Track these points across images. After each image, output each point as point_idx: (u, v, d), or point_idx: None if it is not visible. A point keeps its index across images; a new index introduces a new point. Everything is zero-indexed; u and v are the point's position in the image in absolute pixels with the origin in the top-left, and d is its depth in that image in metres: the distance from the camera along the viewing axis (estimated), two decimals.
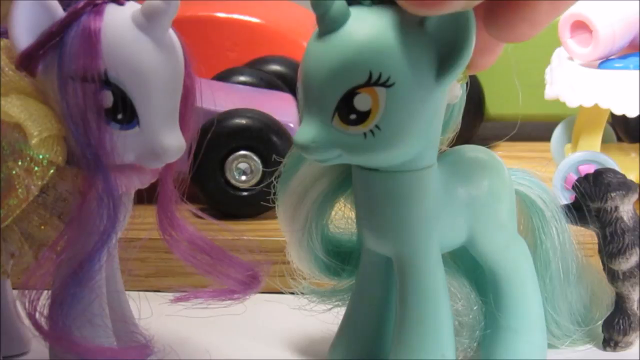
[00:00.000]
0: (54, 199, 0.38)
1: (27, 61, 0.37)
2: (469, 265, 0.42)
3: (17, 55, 0.37)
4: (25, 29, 0.37)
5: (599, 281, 0.45)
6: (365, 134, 0.35)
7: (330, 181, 0.41)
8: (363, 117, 0.35)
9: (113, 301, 0.42)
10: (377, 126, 0.35)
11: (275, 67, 0.69)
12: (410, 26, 0.35)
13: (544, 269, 0.43)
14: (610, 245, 0.43)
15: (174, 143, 0.38)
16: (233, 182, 0.57)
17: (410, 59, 0.35)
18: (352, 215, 0.42)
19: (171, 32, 0.38)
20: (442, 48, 0.35)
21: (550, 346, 0.43)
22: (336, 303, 0.44)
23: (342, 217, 0.43)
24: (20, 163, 0.37)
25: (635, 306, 0.45)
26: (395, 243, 0.39)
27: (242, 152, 0.57)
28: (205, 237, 0.42)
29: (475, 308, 0.42)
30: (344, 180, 0.40)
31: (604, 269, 0.45)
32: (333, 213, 0.42)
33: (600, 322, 0.45)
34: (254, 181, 0.57)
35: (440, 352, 0.38)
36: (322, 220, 0.41)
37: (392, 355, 0.39)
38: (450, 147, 0.42)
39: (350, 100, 0.35)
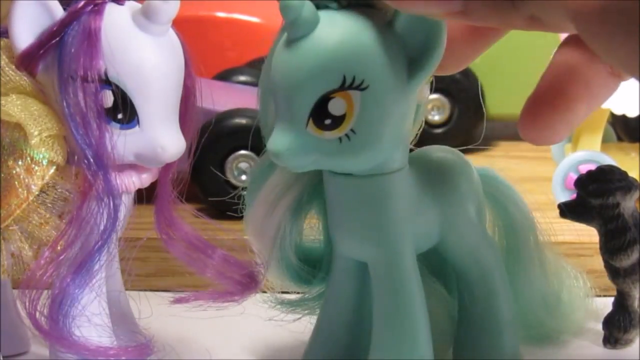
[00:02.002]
0: (54, 199, 0.38)
1: (27, 61, 0.37)
2: (437, 266, 0.42)
3: (17, 55, 0.37)
4: (25, 29, 0.37)
5: (568, 272, 0.46)
6: (340, 139, 0.35)
7: (302, 188, 0.40)
8: (338, 121, 0.35)
9: (113, 301, 0.42)
10: (352, 130, 0.35)
11: None
12: (379, 29, 0.35)
13: (514, 265, 0.43)
14: (612, 242, 0.43)
15: (174, 143, 0.38)
16: (233, 181, 0.57)
17: (382, 61, 0.34)
18: (317, 222, 0.42)
19: (171, 32, 0.38)
20: (412, 50, 0.35)
21: (530, 338, 0.44)
22: (306, 312, 0.44)
23: (308, 224, 0.42)
24: (20, 163, 0.37)
25: (636, 303, 0.45)
26: (370, 247, 0.38)
27: (242, 152, 0.57)
28: (202, 236, 0.42)
29: (446, 308, 0.42)
30: (316, 186, 0.40)
31: (605, 266, 0.45)
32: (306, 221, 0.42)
33: (578, 313, 0.45)
34: None
35: (418, 354, 0.38)
36: (297, 228, 0.41)
37: (371, 357, 0.39)
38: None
39: (325, 105, 0.35)
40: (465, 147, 0.42)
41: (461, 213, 0.40)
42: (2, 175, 0.37)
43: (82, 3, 0.37)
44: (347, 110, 0.35)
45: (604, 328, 0.46)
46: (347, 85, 0.34)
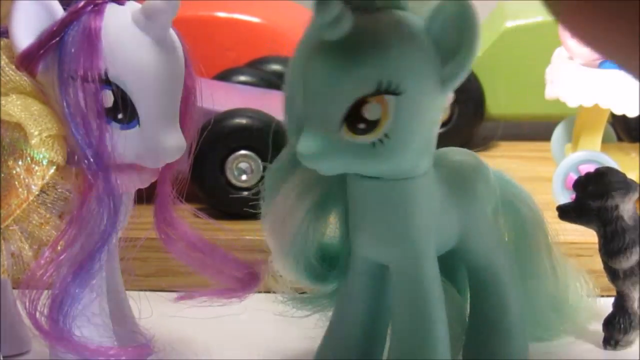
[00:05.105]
0: (55, 199, 0.38)
1: (27, 61, 0.37)
2: (447, 267, 0.42)
3: (17, 55, 0.37)
4: (25, 29, 0.37)
5: (572, 272, 0.46)
6: (374, 143, 0.35)
7: (326, 188, 0.40)
8: (372, 126, 0.35)
9: (113, 301, 0.42)
10: (386, 135, 0.35)
11: (275, 67, 0.69)
12: (413, 32, 0.34)
13: (525, 266, 0.43)
14: (611, 244, 0.43)
15: (174, 143, 0.38)
16: (233, 181, 0.57)
17: (417, 65, 0.34)
18: (334, 221, 0.41)
19: (171, 32, 0.38)
20: (446, 53, 0.35)
21: (538, 338, 0.44)
22: (317, 309, 0.44)
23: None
24: (20, 163, 0.37)
25: (635, 305, 0.45)
26: (394, 250, 0.38)
27: (243, 152, 0.57)
28: (201, 236, 0.42)
29: (457, 310, 0.42)
30: (341, 186, 0.40)
31: (605, 268, 0.45)
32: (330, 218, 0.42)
33: (582, 313, 0.46)
34: (254, 181, 0.57)
35: (439, 354, 0.38)
36: (319, 228, 0.40)
37: (390, 357, 0.39)
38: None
39: (359, 110, 0.34)
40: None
41: (480, 216, 0.40)
42: (2, 175, 0.37)
43: (82, 3, 0.37)
44: (381, 115, 0.34)
45: (604, 329, 0.46)
46: (383, 90, 0.34)
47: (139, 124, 0.37)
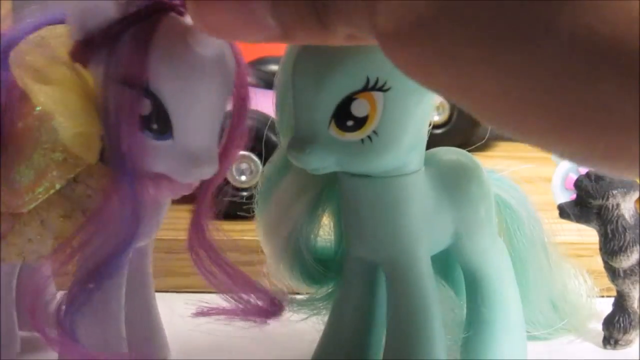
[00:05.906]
0: (81, 195, 0.38)
1: (80, 53, 0.36)
2: (444, 268, 0.42)
3: (72, 46, 0.36)
4: (82, 21, 0.35)
5: (571, 272, 0.46)
6: (362, 140, 0.35)
7: (319, 187, 0.40)
8: (361, 123, 0.35)
9: (138, 305, 0.42)
10: (374, 132, 0.35)
11: (275, 67, 0.69)
12: None
13: (522, 266, 0.43)
14: (612, 243, 0.44)
15: (205, 160, 0.37)
16: (233, 182, 0.57)
17: None
18: (329, 222, 0.42)
19: (224, 49, 0.37)
20: None
21: (537, 338, 0.44)
22: (313, 312, 0.44)
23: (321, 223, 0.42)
24: (52, 154, 0.37)
25: (635, 304, 0.45)
26: (387, 249, 0.38)
27: (242, 152, 0.57)
28: (231, 262, 0.41)
29: (455, 309, 0.42)
30: (333, 185, 0.40)
31: (605, 267, 0.45)
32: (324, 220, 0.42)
33: (582, 313, 0.46)
34: (254, 181, 0.57)
35: (434, 353, 0.38)
36: (312, 228, 0.41)
37: (386, 357, 0.39)
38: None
39: (347, 107, 0.35)
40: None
41: (473, 215, 0.40)
42: (35, 161, 0.37)
43: (143, 7, 0.35)
44: (369, 112, 0.35)
45: (603, 329, 0.46)
46: (370, 87, 0.34)
47: (173, 137, 0.36)
